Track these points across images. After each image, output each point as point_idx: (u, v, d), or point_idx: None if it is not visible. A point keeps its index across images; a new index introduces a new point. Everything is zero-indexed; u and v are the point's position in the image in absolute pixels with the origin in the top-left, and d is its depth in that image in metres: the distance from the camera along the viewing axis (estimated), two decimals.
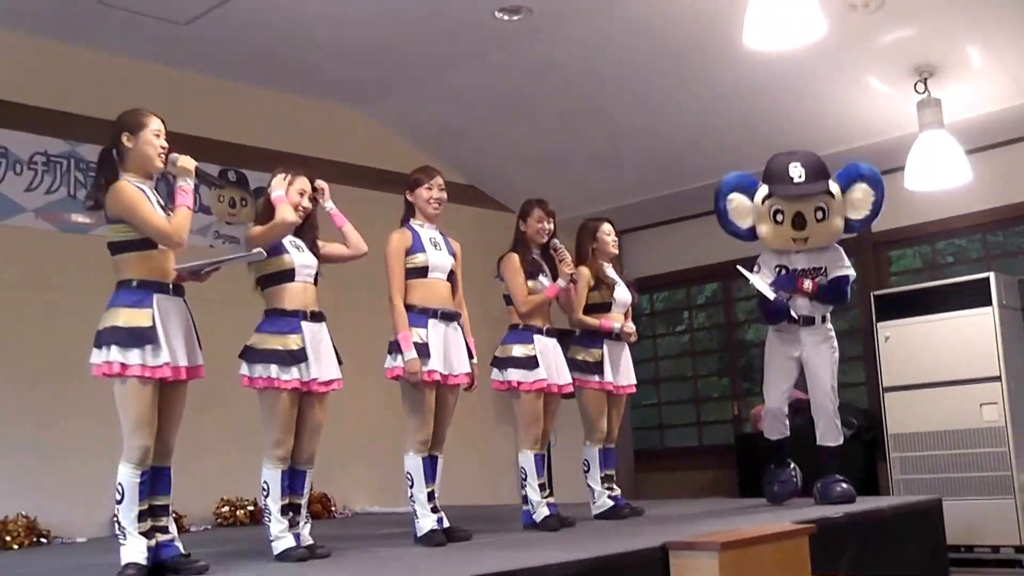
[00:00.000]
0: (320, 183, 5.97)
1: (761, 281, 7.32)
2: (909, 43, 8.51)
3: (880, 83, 9.06)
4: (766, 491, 7.57)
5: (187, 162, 5.11)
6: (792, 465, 7.53)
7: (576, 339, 7.41)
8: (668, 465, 12.28)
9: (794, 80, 9.03)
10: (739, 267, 7.45)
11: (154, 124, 5.08)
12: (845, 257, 7.51)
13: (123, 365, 4.78)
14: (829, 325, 7.46)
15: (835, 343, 7.47)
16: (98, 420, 7.71)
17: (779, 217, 7.30)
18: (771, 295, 7.24)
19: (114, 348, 4.79)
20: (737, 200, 7.49)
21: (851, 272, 7.49)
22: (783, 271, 7.40)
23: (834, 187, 7.36)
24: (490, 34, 8.90)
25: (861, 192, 7.43)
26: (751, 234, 7.53)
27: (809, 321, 7.37)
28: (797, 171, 7.23)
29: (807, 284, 7.30)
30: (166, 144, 5.10)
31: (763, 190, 7.40)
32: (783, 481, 7.46)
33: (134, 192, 4.92)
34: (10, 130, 8.53)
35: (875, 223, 10.55)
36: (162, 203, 5.08)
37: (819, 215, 7.29)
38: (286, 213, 5.51)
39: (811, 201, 7.30)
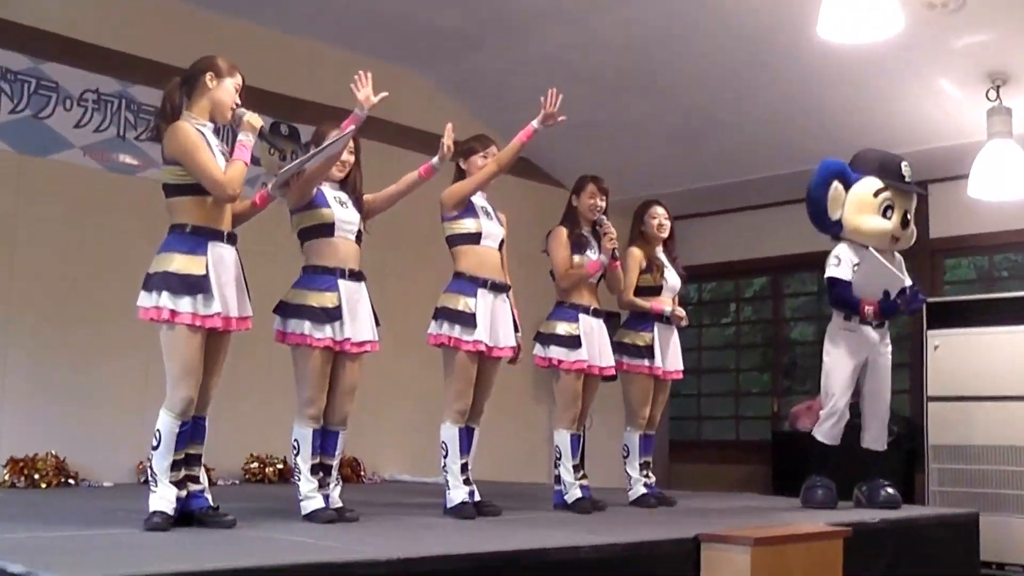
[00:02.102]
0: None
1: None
2: (985, 48, 8.36)
3: (951, 86, 8.90)
4: (806, 496, 7.32)
5: (254, 119, 5.05)
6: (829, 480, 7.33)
7: (625, 322, 7.35)
8: (703, 457, 12.19)
9: (864, 76, 8.88)
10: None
11: (238, 78, 5.10)
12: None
13: (173, 312, 4.73)
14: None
15: None
16: (134, 365, 7.78)
17: (889, 213, 7.12)
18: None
19: (165, 294, 4.74)
20: (838, 190, 7.19)
21: (911, 282, 7.34)
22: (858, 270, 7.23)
23: None
24: (564, 3, 8.79)
25: None
26: (835, 228, 7.27)
27: (881, 324, 7.27)
28: (908, 171, 7.17)
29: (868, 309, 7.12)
30: (240, 102, 5.08)
31: (873, 182, 7.16)
32: (827, 489, 7.21)
33: (194, 136, 4.86)
34: (62, 64, 8.49)
35: (934, 230, 10.47)
36: (224, 150, 5.03)
37: (912, 217, 7.25)
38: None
39: (913, 202, 7.27)
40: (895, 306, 7.07)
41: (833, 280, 7.20)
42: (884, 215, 7.13)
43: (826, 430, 7.30)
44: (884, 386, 7.29)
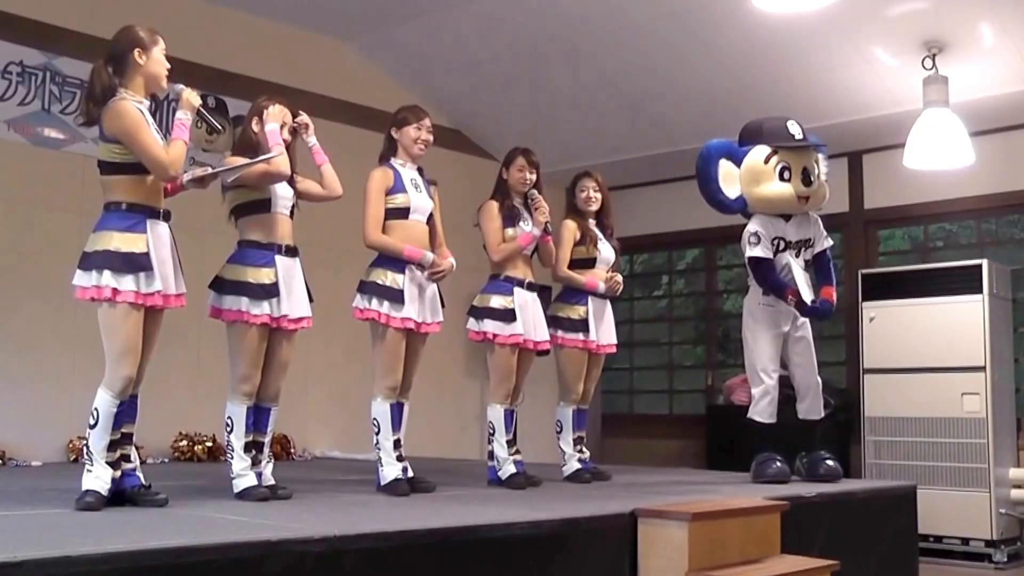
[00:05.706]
0: (303, 117, 5.76)
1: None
2: (920, 16, 8.32)
3: (887, 55, 8.86)
4: (758, 471, 7.07)
5: (192, 97, 5.03)
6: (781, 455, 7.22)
7: (559, 295, 7.29)
8: (636, 432, 12.14)
9: (798, 45, 8.85)
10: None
11: (162, 44, 5.03)
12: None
13: (115, 291, 4.70)
14: None
15: None
16: (61, 343, 7.70)
17: (787, 174, 6.93)
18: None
19: (107, 272, 4.70)
20: (726, 167, 7.09)
21: (831, 242, 7.27)
22: (780, 243, 7.11)
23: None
24: None
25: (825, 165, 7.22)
26: (738, 204, 7.14)
27: None
28: (795, 128, 7.00)
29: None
30: (169, 65, 5.02)
31: (762, 150, 7.00)
32: (780, 463, 7.01)
33: (137, 115, 4.80)
34: None
35: (868, 200, 10.43)
36: (157, 126, 4.94)
37: (816, 173, 7.04)
38: (283, 166, 5.35)
39: (812, 157, 7.04)
40: (812, 311, 6.99)
41: (755, 260, 7.04)
42: (782, 178, 6.96)
43: (762, 409, 7.11)
44: (813, 357, 7.21)
